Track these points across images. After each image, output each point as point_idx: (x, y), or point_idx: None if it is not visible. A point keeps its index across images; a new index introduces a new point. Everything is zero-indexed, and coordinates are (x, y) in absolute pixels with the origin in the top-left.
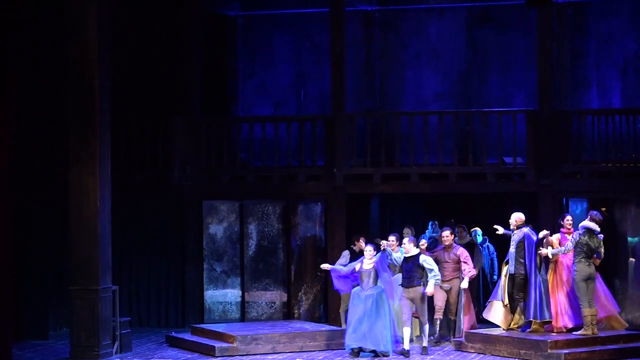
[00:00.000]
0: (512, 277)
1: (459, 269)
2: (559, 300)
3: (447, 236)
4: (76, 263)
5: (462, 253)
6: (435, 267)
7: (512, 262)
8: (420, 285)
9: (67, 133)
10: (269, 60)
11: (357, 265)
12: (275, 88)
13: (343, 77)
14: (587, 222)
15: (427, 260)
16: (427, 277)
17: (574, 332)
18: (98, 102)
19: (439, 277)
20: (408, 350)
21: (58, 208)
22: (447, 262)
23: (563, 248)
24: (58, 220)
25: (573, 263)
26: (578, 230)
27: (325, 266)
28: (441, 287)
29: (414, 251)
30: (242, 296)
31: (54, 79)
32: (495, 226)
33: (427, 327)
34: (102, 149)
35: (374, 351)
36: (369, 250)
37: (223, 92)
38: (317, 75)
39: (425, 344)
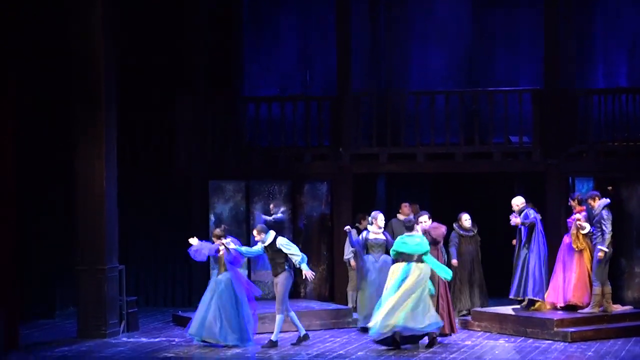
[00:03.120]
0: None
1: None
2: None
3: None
4: (83, 242)
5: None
6: (294, 247)
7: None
8: (285, 271)
9: (73, 113)
10: (275, 40)
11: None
12: (281, 68)
13: (349, 56)
14: (604, 200)
15: (284, 244)
16: (290, 261)
17: (579, 311)
18: (104, 83)
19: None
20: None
21: (65, 187)
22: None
23: (607, 234)
24: (65, 199)
25: (596, 243)
26: (605, 211)
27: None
28: None
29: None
30: (248, 275)
31: (60, 58)
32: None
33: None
34: (108, 129)
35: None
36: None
37: (229, 72)
38: (323, 55)
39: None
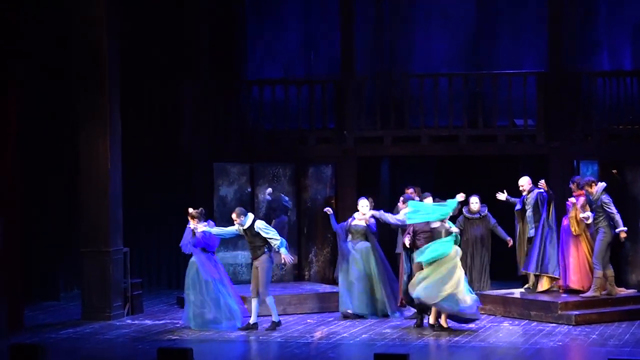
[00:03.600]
0: (530, 240)
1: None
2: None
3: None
4: (87, 225)
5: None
6: (273, 231)
7: (531, 225)
8: (264, 254)
9: (77, 96)
10: (278, 22)
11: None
12: (285, 51)
13: (353, 39)
14: (601, 184)
15: (262, 228)
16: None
17: (581, 295)
18: (107, 64)
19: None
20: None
21: (69, 170)
22: None
23: (618, 217)
24: (69, 182)
25: (595, 226)
26: (604, 195)
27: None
28: None
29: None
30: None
31: (63, 41)
32: (499, 194)
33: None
34: (112, 112)
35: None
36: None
37: (232, 54)
38: (326, 38)
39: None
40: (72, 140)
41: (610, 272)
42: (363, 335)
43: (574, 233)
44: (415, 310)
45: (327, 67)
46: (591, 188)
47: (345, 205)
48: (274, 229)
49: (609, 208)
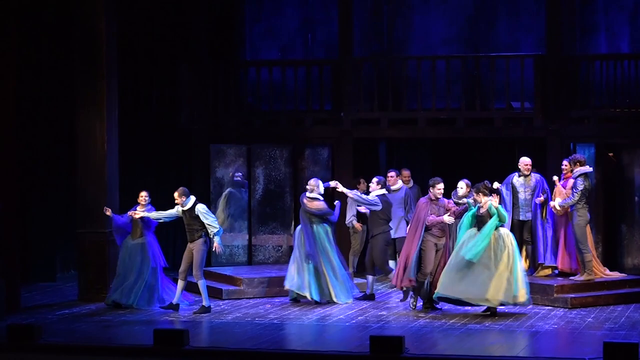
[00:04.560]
0: (521, 224)
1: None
2: (565, 244)
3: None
4: (83, 206)
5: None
6: (212, 217)
7: (524, 209)
8: (201, 238)
9: (75, 77)
10: (276, 4)
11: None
12: (283, 32)
13: (350, 21)
14: (580, 168)
15: (202, 212)
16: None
17: (571, 277)
18: (105, 45)
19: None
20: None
21: (65, 151)
22: None
23: (570, 200)
24: (65, 163)
25: (573, 209)
26: (577, 179)
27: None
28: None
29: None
30: (249, 240)
31: (60, 22)
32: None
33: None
34: (109, 93)
35: None
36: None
37: (230, 36)
38: (324, 19)
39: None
40: (70, 123)
41: (590, 255)
42: (359, 318)
43: (557, 214)
44: (410, 292)
45: (324, 48)
46: (575, 166)
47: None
48: (213, 216)
49: (575, 191)
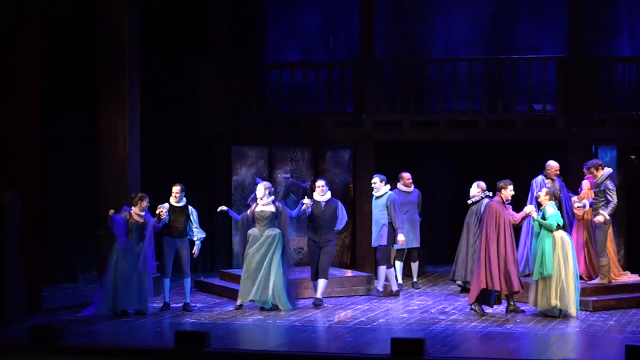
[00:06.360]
0: None
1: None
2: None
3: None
4: (105, 207)
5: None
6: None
7: None
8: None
9: (97, 77)
10: (298, 5)
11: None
12: (304, 33)
13: (372, 22)
14: (605, 171)
15: (194, 215)
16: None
17: (587, 282)
18: (127, 46)
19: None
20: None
21: (88, 152)
22: None
23: (612, 204)
24: (88, 164)
25: (594, 211)
26: (608, 181)
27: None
28: None
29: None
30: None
31: (83, 22)
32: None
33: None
34: (131, 94)
35: None
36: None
37: (251, 37)
38: (346, 21)
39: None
40: (92, 123)
41: (607, 260)
42: (380, 320)
43: (577, 218)
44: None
45: (346, 50)
46: (597, 171)
47: (363, 189)
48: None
49: (609, 194)
